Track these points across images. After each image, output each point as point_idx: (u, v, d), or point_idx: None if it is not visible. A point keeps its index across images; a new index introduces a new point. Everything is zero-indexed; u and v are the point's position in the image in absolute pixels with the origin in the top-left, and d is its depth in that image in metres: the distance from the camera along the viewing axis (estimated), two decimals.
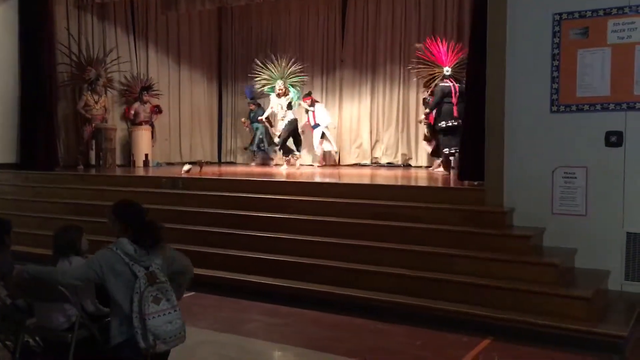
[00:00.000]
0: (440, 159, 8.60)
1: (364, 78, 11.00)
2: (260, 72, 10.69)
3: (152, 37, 11.45)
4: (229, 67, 12.82)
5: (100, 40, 10.47)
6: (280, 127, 10.05)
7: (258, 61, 10.80)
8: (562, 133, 5.03)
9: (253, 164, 11.50)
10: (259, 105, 11.40)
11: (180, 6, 10.53)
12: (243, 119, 11.61)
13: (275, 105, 10.17)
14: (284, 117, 9.92)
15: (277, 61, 10.64)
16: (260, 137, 11.13)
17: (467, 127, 6.00)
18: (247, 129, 11.62)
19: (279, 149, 10.13)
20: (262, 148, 11.26)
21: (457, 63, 8.18)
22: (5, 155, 8.95)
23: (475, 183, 5.81)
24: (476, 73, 5.68)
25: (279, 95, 10.05)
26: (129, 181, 8.08)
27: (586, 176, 4.93)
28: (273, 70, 10.57)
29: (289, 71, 10.52)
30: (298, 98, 10.44)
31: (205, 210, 6.48)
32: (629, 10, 4.74)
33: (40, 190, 8.06)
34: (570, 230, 4.99)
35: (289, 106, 9.97)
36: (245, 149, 11.92)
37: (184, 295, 4.89)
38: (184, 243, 5.35)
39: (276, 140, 10.31)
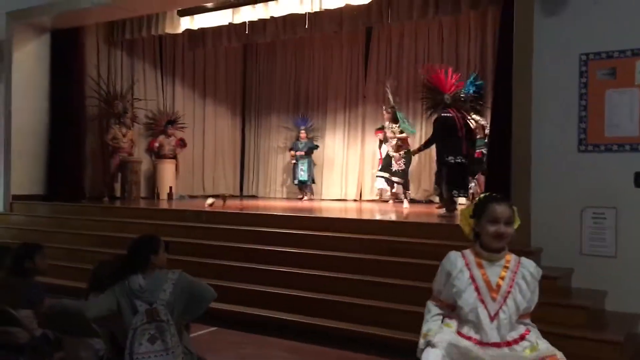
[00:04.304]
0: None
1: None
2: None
3: (179, 72, 11.70)
4: (253, 101, 13.01)
5: (128, 75, 10.72)
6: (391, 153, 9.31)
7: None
8: (590, 173, 4.98)
9: (305, 198, 11.19)
10: (308, 137, 11.33)
11: (206, 43, 10.82)
12: (292, 153, 11.32)
13: (389, 131, 9.33)
14: (399, 145, 9.22)
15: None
16: (304, 169, 11.07)
17: (492, 165, 5.98)
18: (293, 160, 11.35)
19: (401, 184, 9.37)
20: (307, 181, 11.20)
21: (455, 92, 7.69)
22: (32, 186, 9.11)
23: None
24: (501, 112, 5.68)
25: (387, 119, 9.37)
26: (153, 214, 8.15)
27: (616, 217, 4.85)
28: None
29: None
30: (407, 123, 9.51)
31: (229, 244, 6.49)
32: None
33: (66, 221, 8.16)
34: (599, 272, 4.89)
35: (401, 132, 9.28)
36: (298, 183, 11.35)
37: (206, 331, 4.92)
38: (207, 277, 5.31)
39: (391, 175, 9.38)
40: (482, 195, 2.74)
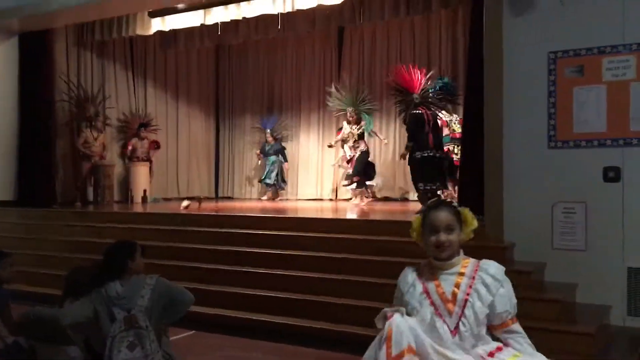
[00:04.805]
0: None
1: None
2: (332, 98, 10.41)
3: (151, 74, 11.58)
4: (227, 102, 12.96)
5: (99, 77, 10.58)
6: (348, 154, 9.80)
7: (331, 88, 10.52)
8: (560, 168, 5.09)
9: (265, 197, 11.44)
10: (275, 139, 11.45)
11: (178, 44, 10.75)
12: (257, 151, 11.60)
13: (347, 132, 9.81)
14: (356, 146, 9.66)
15: (349, 87, 10.47)
16: (275, 170, 11.16)
17: (464, 163, 6.06)
18: (259, 161, 11.61)
19: (350, 183, 9.77)
20: (275, 182, 11.28)
21: (423, 89, 7.88)
22: (2, 192, 8.92)
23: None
24: (473, 111, 5.76)
25: (349, 122, 9.80)
26: (128, 218, 8.06)
27: (585, 211, 4.97)
28: (345, 96, 10.29)
29: (361, 98, 10.23)
30: (371, 125, 10.03)
31: (205, 246, 6.45)
32: (623, 49, 4.84)
33: (37, 227, 8.01)
34: (571, 265, 5.00)
35: (361, 135, 9.74)
36: (260, 181, 11.69)
37: (185, 335, 4.89)
38: (184, 280, 5.33)
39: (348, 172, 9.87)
40: (428, 203, 2.60)
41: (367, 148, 9.89)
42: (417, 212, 2.64)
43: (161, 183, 11.52)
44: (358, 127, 9.77)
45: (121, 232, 6.94)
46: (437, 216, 2.42)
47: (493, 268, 2.42)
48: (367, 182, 9.83)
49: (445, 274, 2.41)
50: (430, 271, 2.45)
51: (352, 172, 9.69)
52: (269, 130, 11.49)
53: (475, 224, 2.48)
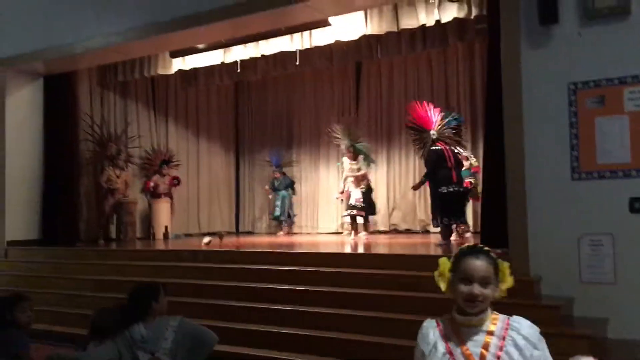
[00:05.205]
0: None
1: (379, 146, 11.14)
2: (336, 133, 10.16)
3: (172, 111, 11.81)
4: (246, 138, 13.10)
5: (122, 116, 10.80)
6: (351, 189, 9.54)
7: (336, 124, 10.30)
8: (585, 200, 5.01)
9: (281, 233, 11.41)
10: (284, 173, 11.52)
11: (199, 82, 10.94)
12: (266, 187, 11.61)
13: (347, 168, 9.71)
14: (360, 181, 9.48)
15: (350, 124, 10.28)
16: (286, 205, 11.20)
17: (487, 197, 6.00)
18: (270, 196, 11.62)
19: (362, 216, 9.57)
20: (290, 216, 11.32)
21: (439, 125, 7.87)
22: (27, 232, 9.04)
23: (499, 250, 5.73)
24: (494, 143, 5.73)
25: (349, 157, 9.69)
26: (150, 255, 8.09)
27: (613, 243, 4.86)
28: (343, 133, 10.03)
29: (357, 137, 9.92)
30: (367, 161, 9.80)
31: (227, 283, 6.44)
32: None
33: (63, 266, 8.07)
34: (600, 299, 4.87)
35: (358, 170, 9.60)
36: (274, 219, 11.64)
37: None
38: (207, 318, 5.30)
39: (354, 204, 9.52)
40: (463, 247, 2.25)
41: (369, 182, 9.73)
42: (438, 245, 2.49)
43: (182, 219, 11.60)
44: (356, 162, 9.62)
45: (144, 270, 6.98)
46: (474, 265, 2.12)
47: (525, 328, 2.16)
48: (368, 216, 9.71)
49: (472, 332, 2.14)
50: (453, 328, 2.17)
51: (359, 206, 9.50)
52: (275, 169, 11.54)
53: (511, 281, 2.21)
